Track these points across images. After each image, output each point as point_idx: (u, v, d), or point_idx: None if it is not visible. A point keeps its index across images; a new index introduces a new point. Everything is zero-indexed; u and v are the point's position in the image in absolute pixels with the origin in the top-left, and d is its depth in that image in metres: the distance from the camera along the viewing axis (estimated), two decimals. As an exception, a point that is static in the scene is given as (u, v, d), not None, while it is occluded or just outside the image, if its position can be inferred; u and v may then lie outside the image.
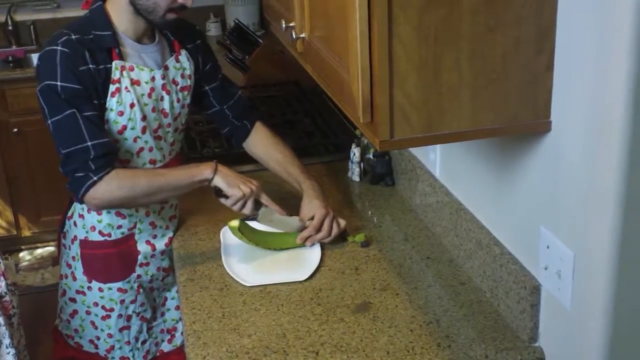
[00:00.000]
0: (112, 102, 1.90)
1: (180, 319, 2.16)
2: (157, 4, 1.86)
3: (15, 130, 4.01)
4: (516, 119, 1.44)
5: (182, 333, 2.23)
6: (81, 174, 1.83)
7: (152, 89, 1.97)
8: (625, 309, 1.37)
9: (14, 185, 4.12)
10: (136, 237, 2.12)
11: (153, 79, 1.97)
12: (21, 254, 4.24)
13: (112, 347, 2.20)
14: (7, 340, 2.22)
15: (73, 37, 1.85)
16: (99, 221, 2.06)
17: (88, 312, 2.17)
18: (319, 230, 2.05)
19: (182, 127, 2.14)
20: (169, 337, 2.29)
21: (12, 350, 2.24)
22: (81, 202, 1.89)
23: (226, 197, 1.95)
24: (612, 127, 1.27)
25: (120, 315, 2.16)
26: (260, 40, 3.48)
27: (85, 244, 2.10)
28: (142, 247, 2.14)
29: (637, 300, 1.38)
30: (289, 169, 2.16)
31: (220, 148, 2.78)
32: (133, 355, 2.22)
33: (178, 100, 2.06)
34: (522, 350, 1.65)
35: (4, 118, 4.00)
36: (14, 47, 4.38)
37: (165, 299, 2.27)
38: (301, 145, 2.76)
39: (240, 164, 2.49)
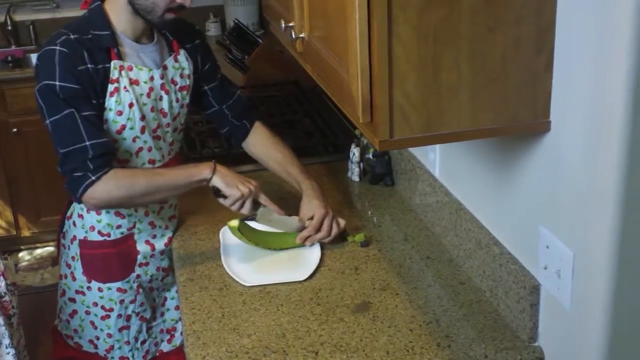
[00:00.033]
0: (110, 102, 1.90)
1: (180, 319, 2.16)
2: (156, 3, 1.86)
3: (15, 130, 4.01)
4: (516, 119, 1.44)
5: (181, 333, 2.24)
6: (79, 174, 1.83)
7: (151, 89, 1.97)
8: (625, 308, 1.37)
9: (13, 185, 4.12)
10: (135, 237, 2.12)
11: (152, 78, 1.97)
12: (21, 254, 4.24)
13: (112, 347, 2.20)
14: (6, 341, 2.22)
15: (72, 36, 1.85)
16: (98, 221, 2.06)
17: (87, 312, 2.17)
18: (318, 230, 2.05)
19: (181, 127, 2.14)
20: (168, 337, 2.29)
21: (11, 351, 2.24)
22: (79, 201, 1.89)
23: (225, 197, 1.95)
24: (612, 127, 1.27)
25: (119, 315, 2.16)
26: (260, 40, 3.48)
27: (84, 244, 2.10)
28: (142, 247, 2.13)
29: (637, 300, 1.38)
30: (288, 169, 2.16)
31: (220, 148, 2.78)
32: (132, 355, 2.22)
33: (177, 100, 2.06)
34: (522, 350, 1.65)
35: (3, 118, 4.00)
36: (13, 47, 4.38)
37: (165, 299, 2.27)
38: (301, 145, 2.76)
39: (240, 164, 2.50)
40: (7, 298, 2.26)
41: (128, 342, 2.20)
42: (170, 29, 2.02)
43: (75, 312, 2.18)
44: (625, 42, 1.20)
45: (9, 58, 4.25)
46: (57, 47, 1.83)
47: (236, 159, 2.48)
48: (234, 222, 2.02)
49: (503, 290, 1.73)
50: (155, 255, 2.17)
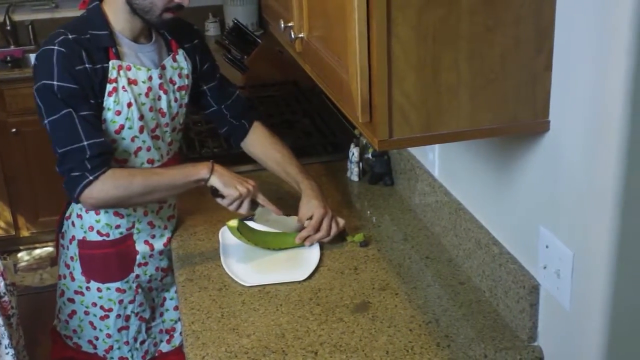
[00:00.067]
0: (109, 102, 1.90)
1: (179, 319, 2.16)
2: (154, 3, 1.86)
3: (14, 130, 4.01)
4: (515, 118, 1.44)
5: (180, 333, 2.23)
6: (77, 174, 1.83)
7: (150, 89, 1.97)
8: (624, 308, 1.37)
9: (12, 185, 4.12)
10: (134, 237, 2.12)
11: (150, 78, 1.97)
12: (20, 255, 4.24)
13: (111, 348, 2.20)
14: (6, 341, 2.22)
15: (70, 36, 1.85)
16: (97, 221, 2.06)
17: (86, 313, 2.16)
18: (317, 230, 2.05)
19: (180, 126, 2.14)
20: (167, 337, 2.29)
21: (11, 351, 2.24)
22: (77, 201, 1.89)
23: (222, 197, 1.95)
24: (611, 126, 1.27)
25: (118, 316, 2.16)
26: (259, 40, 3.48)
27: (83, 244, 2.10)
28: (141, 247, 2.13)
29: (636, 300, 1.38)
30: (287, 169, 2.16)
31: (219, 148, 2.78)
32: (132, 356, 2.22)
33: (175, 100, 2.06)
34: (521, 349, 1.65)
35: (2, 118, 4.00)
36: (12, 47, 4.38)
37: (164, 299, 2.27)
38: (300, 145, 2.76)
39: (239, 164, 2.50)
40: (6, 298, 2.26)
41: (127, 343, 2.20)
42: (168, 28, 2.02)
43: (74, 312, 2.18)
44: (625, 42, 1.20)
45: (8, 58, 4.25)
46: (55, 47, 1.83)
47: (235, 159, 2.48)
48: (233, 222, 2.02)
49: (502, 290, 1.73)
50: (154, 256, 2.17)
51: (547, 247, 1.54)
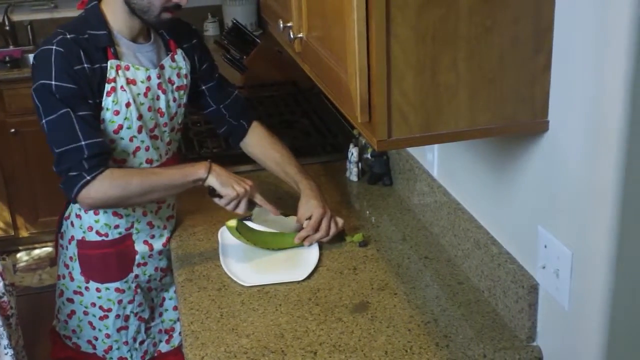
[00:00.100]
0: (107, 102, 1.90)
1: (178, 319, 2.16)
2: (152, 3, 1.86)
3: (13, 130, 4.01)
4: (514, 118, 1.44)
5: (180, 333, 2.23)
6: (74, 173, 1.83)
7: (148, 88, 1.97)
8: (623, 308, 1.37)
9: (11, 185, 4.12)
10: (134, 237, 2.12)
11: (149, 78, 1.97)
12: (19, 255, 4.24)
13: (110, 348, 2.20)
14: (5, 341, 2.22)
15: (68, 36, 1.86)
16: (96, 221, 2.06)
17: (86, 313, 2.16)
18: (316, 230, 2.05)
19: (178, 126, 2.14)
20: (166, 337, 2.29)
21: (10, 351, 2.24)
22: (74, 201, 1.89)
23: (220, 196, 1.95)
24: (610, 127, 1.27)
25: (118, 316, 2.16)
26: (258, 40, 3.48)
27: (82, 244, 2.10)
28: (140, 247, 2.13)
29: (635, 300, 1.38)
30: (286, 169, 2.16)
31: (218, 148, 2.78)
32: (131, 356, 2.22)
33: (174, 100, 2.06)
34: (520, 349, 1.65)
35: (1, 118, 4.00)
36: (11, 47, 4.38)
37: (163, 299, 2.27)
38: (299, 145, 2.76)
39: (238, 164, 2.50)
40: (5, 299, 2.26)
41: (126, 343, 2.20)
42: (166, 28, 2.02)
43: (73, 312, 2.18)
44: (624, 42, 1.20)
45: (7, 58, 4.25)
46: (54, 47, 1.83)
47: (234, 159, 2.48)
48: (232, 222, 2.02)
49: (501, 289, 1.73)
50: (154, 256, 2.17)
51: (545, 246, 1.54)
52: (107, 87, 1.89)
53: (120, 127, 1.94)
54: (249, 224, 2.08)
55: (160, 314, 2.28)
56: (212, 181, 1.92)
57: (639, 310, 1.40)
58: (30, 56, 4.25)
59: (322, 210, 2.05)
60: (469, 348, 1.66)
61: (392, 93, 1.35)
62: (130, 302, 2.15)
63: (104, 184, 1.84)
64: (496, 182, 1.74)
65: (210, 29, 4.56)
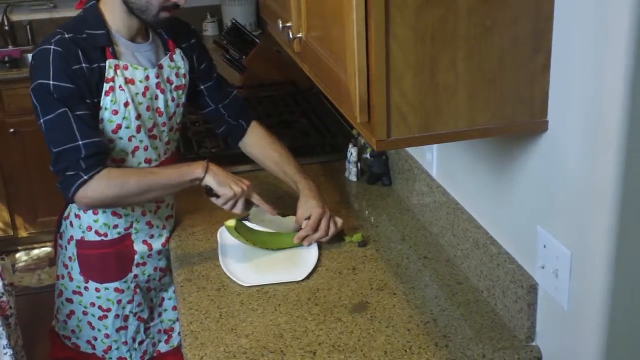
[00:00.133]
0: (106, 101, 1.90)
1: (178, 319, 2.16)
2: (150, 2, 1.86)
3: (12, 130, 4.00)
4: (513, 118, 1.44)
5: (179, 333, 2.23)
6: (72, 173, 1.83)
7: (147, 88, 1.97)
8: (622, 308, 1.37)
9: (10, 185, 4.12)
10: (133, 236, 2.12)
11: (147, 77, 1.97)
12: (18, 255, 4.24)
13: (110, 348, 2.20)
14: (4, 341, 2.22)
15: (66, 36, 1.86)
16: (95, 221, 2.06)
17: (85, 313, 2.16)
18: (315, 229, 2.05)
19: (177, 126, 2.14)
20: (166, 337, 2.29)
21: (9, 351, 2.24)
22: (71, 201, 1.89)
23: (217, 196, 1.95)
24: (609, 126, 1.27)
25: (117, 316, 2.15)
26: (257, 40, 3.48)
27: (81, 244, 2.10)
28: (139, 247, 2.13)
29: (634, 299, 1.38)
30: (285, 169, 2.16)
31: (217, 148, 2.78)
32: (130, 356, 2.22)
33: (173, 99, 2.06)
34: (520, 349, 1.65)
35: (0, 118, 4.00)
36: (10, 47, 4.38)
37: (163, 299, 2.27)
38: (298, 145, 2.76)
39: (237, 164, 2.50)
40: (4, 298, 2.26)
41: (126, 343, 2.20)
42: (165, 28, 2.02)
43: (72, 312, 2.18)
44: (623, 42, 1.20)
45: (6, 58, 4.24)
46: (52, 47, 1.83)
47: (233, 159, 2.48)
48: (231, 222, 2.02)
49: (500, 289, 1.73)
50: (153, 255, 2.17)
51: (545, 246, 1.54)
52: (106, 86, 1.89)
53: (119, 126, 1.94)
54: (248, 224, 2.08)
55: (160, 314, 2.28)
56: (209, 181, 1.92)
57: (638, 310, 1.40)
58: (30, 56, 4.24)
59: (321, 210, 2.05)
60: (468, 348, 1.66)
61: (391, 93, 1.35)
62: (129, 302, 2.15)
63: (101, 184, 1.84)
64: (495, 182, 1.74)
65: (209, 29, 4.55)
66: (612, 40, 1.23)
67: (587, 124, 1.34)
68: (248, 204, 2.00)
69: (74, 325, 2.20)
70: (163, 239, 2.18)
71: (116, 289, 2.13)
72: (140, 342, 2.23)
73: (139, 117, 1.96)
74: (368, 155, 2.48)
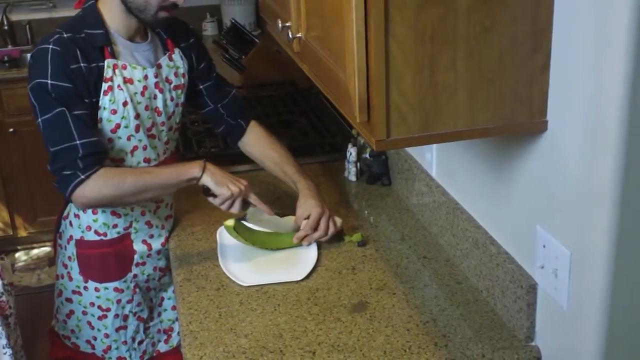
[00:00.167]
0: (104, 101, 1.90)
1: (177, 319, 2.16)
2: (149, 2, 1.86)
3: (11, 130, 4.00)
4: (512, 118, 1.44)
5: (178, 333, 2.23)
6: (69, 172, 1.83)
7: (145, 88, 1.97)
8: (622, 307, 1.37)
9: (10, 185, 4.12)
10: (132, 236, 2.12)
11: (146, 77, 1.97)
12: (17, 254, 4.24)
13: (109, 347, 2.20)
14: (3, 341, 2.22)
15: (65, 35, 1.86)
16: (95, 220, 2.06)
17: (84, 313, 2.16)
18: (315, 229, 2.05)
19: (176, 126, 2.14)
20: (165, 337, 2.29)
21: (8, 351, 2.24)
22: (69, 200, 1.88)
23: (214, 196, 1.95)
24: (609, 126, 1.27)
25: (116, 315, 2.15)
26: (257, 40, 3.49)
27: (81, 243, 2.10)
28: (138, 247, 2.13)
29: (633, 299, 1.38)
30: (284, 169, 2.16)
31: (217, 148, 2.78)
32: (130, 356, 2.22)
33: (172, 99, 2.06)
34: (519, 349, 1.65)
35: (-1, 118, 4.01)
36: (9, 47, 4.38)
37: (162, 299, 2.27)
38: (297, 145, 2.76)
39: (237, 163, 2.50)
40: (4, 298, 2.26)
41: (125, 342, 2.20)
42: (163, 27, 2.03)
43: (72, 312, 2.18)
44: (623, 42, 1.20)
45: (6, 58, 4.24)
46: (50, 46, 1.83)
47: (233, 158, 2.48)
48: (230, 222, 2.02)
49: (500, 289, 1.73)
50: (152, 255, 2.17)
51: (544, 246, 1.54)
52: (104, 86, 1.89)
53: (118, 126, 1.94)
54: (246, 224, 2.08)
55: (159, 314, 2.28)
56: (207, 180, 1.92)
57: (637, 310, 1.40)
58: (29, 56, 4.24)
59: (320, 209, 2.05)
60: (467, 348, 1.66)
61: (391, 93, 1.35)
62: (129, 301, 2.15)
63: (98, 183, 1.84)
64: (495, 182, 1.74)
65: (208, 29, 4.55)
66: (611, 40, 1.23)
67: (586, 124, 1.34)
68: (245, 204, 2.00)
69: (74, 325, 2.20)
70: (162, 239, 2.18)
71: (116, 289, 2.13)
72: (140, 342, 2.23)
73: (137, 116, 1.96)
74: (367, 155, 2.48)
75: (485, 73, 1.38)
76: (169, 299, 2.26)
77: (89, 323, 2.17)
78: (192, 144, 2.82)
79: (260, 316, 1.80)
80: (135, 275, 2.15)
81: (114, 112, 1.92)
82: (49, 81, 1.81)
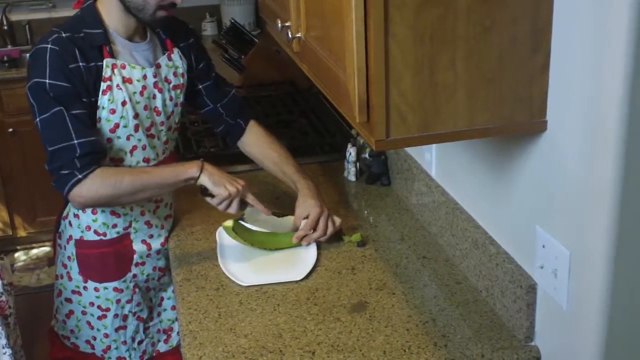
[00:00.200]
0: (103, 100, 1.90)
1: (177, 319, 2.16)
2: (147, 1, 1.86)
3: (11, 130, 4.00)
4: (512, 118, 1.44)
5: (178, 333, 2.23)
6: (66, 172, 1.83)
7: (144, 87, 1.97)
8: (621, 307, 1.37)
9: (9, 185, 4.12)
10: (132, 236, 2.12)
11: (145, 77, 1.97)
12: (17, 254, 4.23)
13: (109, 347, 2.20)
14: (3, 341, 2.22)
15: (63, 35, 1.86)
16: (94, 220, 2.06)
17: (84, 312, 2.16)
18: (314, 229, 2.05)
19: (175, 125, 2.14)
20: (165, 337, 2.29)
21: (8, 351, 2.24)
22: (66, 200, 1.89)
23: (212, 196, 1.95)
24: (608, 126, 1.27)
25: (116, 315, 2.15)
26: (256, 40, 3.49)
27: (80, 243, 2.10)
28: (138, 247, 2.13)
29: (633, 299, 1.38)
30: (284, 169, 2.16)
31: (216, 148, 2.78)
32: (129, 356, 2.22)
33: (171, 99, 2.06)
34: (519, 349, 1.65)
35: (-1, 118, 4.01)
36: (9, 47, 4.38)
37: (162, 298, 2.27)
38: (297, 145, 2.76)
39: (236, 163, 2.50)
40: (3, 298, 2.26)
41: (125, 342, 2.20)
42: (162, 27, 2.03)
43: (71, 312, 2.18)
44: (623, 42, 1.20)
45: (5, 58, 4.24)
46: (49, 45, 1.83)
47: (232, 158, 2.48)
48: (229, 222, 2.02)
49: (499, 289, 1.73)
50: (152, 255, 2.17)
51: (544, 246, 1.54)
52: (103, 85, 1.89)
53: (117, 125, 1.94)
54: (245, 224, 2.08)
55: (159, 314, 2.27)
56: (204, 180, 1.92)
57: (637, 310, 1.40)
58: (29, 55, 4.24)
59: (320, 209, 2.05)
60: (467, 348, 1.66)
61: (391, 93, 1.34)
62: (128, 301, 2.15)
63: (95, 183, 1.84)
64: (494, 181, 1.74)
65: (208, 29, 4.55)
66: (611, 40, 1.23)
67: (586, 124, 1.34)
68: (243, 204, 1.99)
69: (73, 325, 2.20)
70: (162, 239, 2.18)
71: (115, 289, 2.13)
72: (140, 342, 2.23)
73: (136, 116, 1.96)
74: (367, 155, 2.48)
75: (484, 73, 1.38)
76: (168, 298, 2.26)
77: (89, 323, 2.17)
78: (191, 144, 2.82)
79: (259, 316, 1.80)
80: (134, 275, 2.15)
81: (113, 111, 1.92)
82: (47, 80, 1.81)
